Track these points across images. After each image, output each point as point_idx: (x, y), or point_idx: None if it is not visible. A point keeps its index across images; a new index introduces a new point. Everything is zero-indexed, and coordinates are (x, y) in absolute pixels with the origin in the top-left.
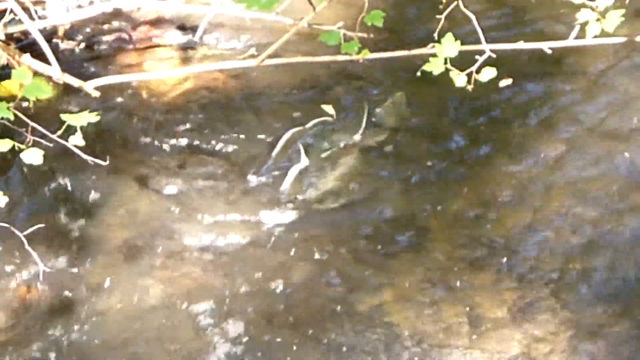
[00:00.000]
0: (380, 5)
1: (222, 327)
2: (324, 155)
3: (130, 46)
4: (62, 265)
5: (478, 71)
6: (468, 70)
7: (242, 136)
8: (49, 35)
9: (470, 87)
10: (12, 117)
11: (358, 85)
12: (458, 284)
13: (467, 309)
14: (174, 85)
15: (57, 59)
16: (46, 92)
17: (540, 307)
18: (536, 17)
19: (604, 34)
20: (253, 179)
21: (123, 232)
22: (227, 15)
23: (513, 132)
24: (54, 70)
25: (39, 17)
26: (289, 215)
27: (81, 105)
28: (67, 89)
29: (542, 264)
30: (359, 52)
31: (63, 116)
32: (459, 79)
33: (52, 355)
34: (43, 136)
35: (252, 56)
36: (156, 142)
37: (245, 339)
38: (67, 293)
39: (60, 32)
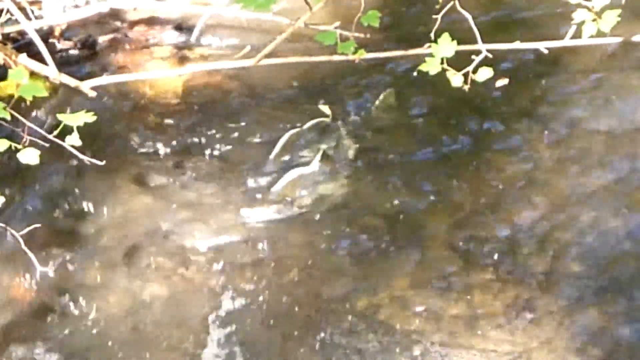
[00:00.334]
0: (377, 6)
1: (218, 327)
2: (320, 156)
3: (127, 46)
4: (58, 265)
5: (474, 71)
6: (464, 70)
7: (238, 136)
8: (46, 35)
9: (466, 87)
10: (8, 117)
11: (354, 85)
12: (455, 283)
13: (465, 308)
14: (171, 85)
15: (54, 59)
16: (42, 92)
17: (539, 306)
18: (533, 17)
19: (600, 34)
20: (250, 180)
21: (119, 232)
22: (224, 15)
23: (510, 132)
24: (51, 70)
25: (36, 17)
26: (285, 215)
27: (78, 105)
28: (63, 89)
29: (540, 263)
30: (355, 52)
31: (59, 116)
32: (456, 79)
33: (48, 355)
34: (39, 136)
35: (249, 56)
36: (152, 142)
37: (240, 339)
38: (63, 293)
39: (57, 32)
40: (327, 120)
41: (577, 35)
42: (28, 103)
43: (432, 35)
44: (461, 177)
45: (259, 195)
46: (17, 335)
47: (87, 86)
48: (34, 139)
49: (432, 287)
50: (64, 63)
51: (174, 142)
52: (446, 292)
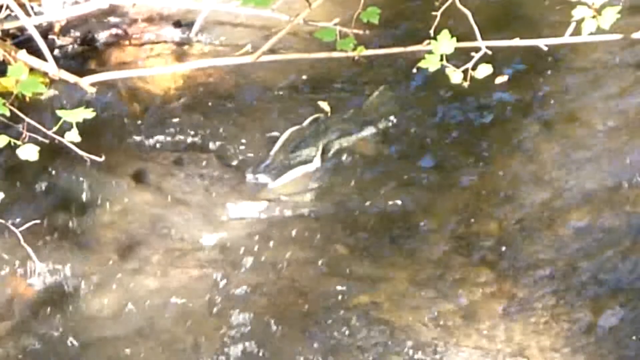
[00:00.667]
0: (377, 2)
1: (217, 323)
2: (320, 152)
3: (126, 42)
4: (57, 261)
5: (474, 68)
6: (464, 67)
7: (238, 133)
8: (45, 31)
9: (466, 84)
10: (7, 113)
11: (353, 82)
12: (453, 281)
13: (463, 306)
14: (170, 82)
15: (53, 55)
16: (42, 88)
17: (537, 304)
18: (532, 13)
19: (599, 31)
20: (250, 177)
21: (119, 228)
22: (223, 11)
23: (508, 129)
24: (50, 66)
25: (35, 14)
26: (284, 212)
27: (77, 101)
28: (63, 85)
29: (538, 261)
30: (354, 49)
31: (59, 112)
32: (455, 75)
33: (47, 350)
34: (39, 132)
35: (248, 52)
36: (152, 139)
37: (239, 335)
38: (62, 289)
39: (57, 29)
40: (326, 116)
41: (577, 32)
42: (27, 99)
43: (431, 32)
44: (460, 174)
45: (258, 192)
46: (15, 330)
47: (86, 82)
48: (33, 135)
49: (431, 285)
50: (63, 59)
51: (173, 139)
52: (444, 289)
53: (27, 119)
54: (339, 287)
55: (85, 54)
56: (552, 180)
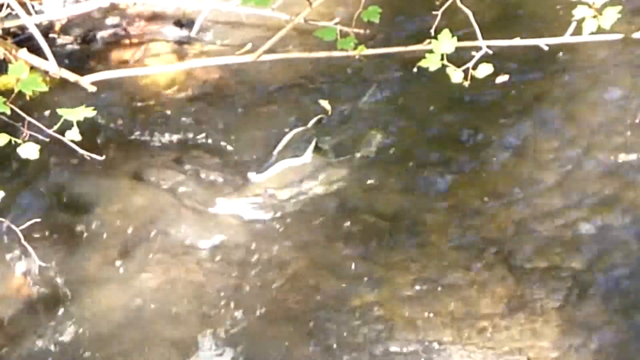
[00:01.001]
0: (377, 1)
1: (217, 321)
2: (312, 147)
3: (127, 41)
4: (58, 259)
5: (474, 67)
6: (465, 67)
7: (238, 131)
8: (46, 30)
9: (466, 84)
10: (8, 112)
11: (354, 81)
12: (453, 280)
13: (463, 305)
14: (171, 81)
15: (54, 53)
16: (42, 87)
17: (537, 304)
18: (533, 13)
19: (600, 30)
20: (252, 176)
21: (119, 227)
22: (223, 10)
23: (508, 128)
24: (51, 65)
25: (36, 12)
26: (283, 210)
27: (77, 100)
28: (63, 84)
29: (538, 260)
30: (355, 48)
31: (59, 111)
32: (456, 75)
33: (47, 349)
34: (40, 131)
35: (249, 52)
36: (152, 137)
37: (239, 333)
38: (63, 287)
39: (57, 27)
40: (327, 116)
41: (578, 31)
42: (28, 97)
43: (432, 31)
44: (459, 174)
45: (257, 191)
46: (15, 329)
47: (86, 81)
48: (33, 133)
49: (430, 284)
50: (64, 58)
51: (174, 138)
52: (445, 288)
53: (28, 118)
54: (338, 286)
55: (86, 53)
56: (552, 180)
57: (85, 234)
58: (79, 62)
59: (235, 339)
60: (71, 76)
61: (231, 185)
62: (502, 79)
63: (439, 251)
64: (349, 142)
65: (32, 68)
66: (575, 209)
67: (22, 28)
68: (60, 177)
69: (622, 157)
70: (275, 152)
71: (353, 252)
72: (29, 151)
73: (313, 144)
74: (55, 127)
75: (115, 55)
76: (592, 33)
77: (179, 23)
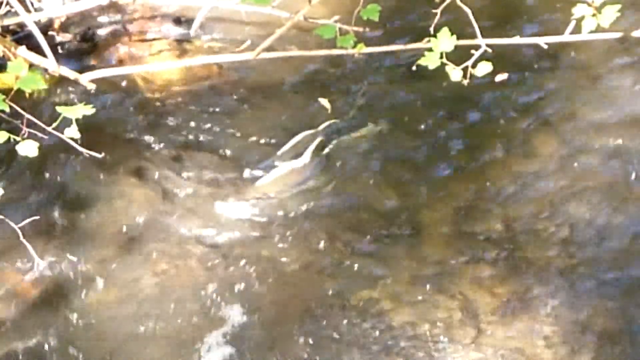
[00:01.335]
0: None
1: (216, 319)
2: (312, 148)
3: (126, 39)
4: (56, 257)
5: (474, 66)
6: (464, 65)
7: (237, 130)
8: (45, 27)
9: (465, 82)
10: (7, 109)
11: (354, 78)
12: (452, 278)
13: (462, 303)
14: (170, 78)
15: (53, 51)
16: (42, 85)
17: (536, 302)
18: (532, 11)
19: (600, 29)
20: (252, 176)
21: (118, 225)
22: (223, 8)
23: (508, 127)
24: (50, 62)
25: (35, 10)
26: (281, 209)
27: (76, 97)
28: (62, 82)
29: (537, 259)
30: (354, 46)
31: (58, 108)
32: (455, 73)
33: (47, 346)
34: (39, 128)
35: (248, 49)
36: (151, 135)
37: (238, 332)
38: (61, 285)
39: (56, 25)
40: (327, 113)
41: (577, 30)
42: (27, 95)
43: (431, 29)
44: (459, 172)
45: (256, 189)
46: (15, 326)
47: (86, 79)
48: (32, 131)
49: (429, 282)
50: (63, 55)
51: (173, 136)
52: (444, 287)
53: (27, 115)
54: (337, 284)
55: (85, 51)
56: (551, 177)
57: (84, 232)
58: (78, 59)
59: (234, 337)
60: (70, 74)
61: (231, 184)
62: (501, 77)
63: (437, 249)
64: (347, 141)
65: (31, 66)
66: (575, 207)
67: (21, 25)
68: (59, 174)
69: (623, 155)
70: (279, 153)
71: (352, 250)
72: (28, 149)
73: (314, 145)
74: (55, 125)
75: (115, 52)
76: (592, 31)
77: (178, 20)
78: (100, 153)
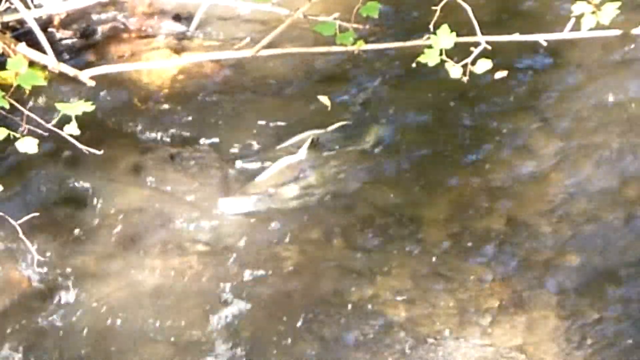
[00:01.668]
0: None
1: (215, 316)
2: (308, 144)
3: (126, 36)
4: (56, 254)
5: (473, 63)
6: (463, 62)
7: (237, 127)
8: (45, 24)
9: (465, 79)
10: (7, 106)
11: (353, 75)
12: (451, 275)
13: (460, 301)
14: (169, 75)
15: (53, 48)
16: (41, 81)
17: (534, 299)
18: (532, 9)
19: (599, 26)
20: (239, 166)
21: (117, 221)
22: (222, 5)
23: (507, 124)
24: (50, 59)
25: (35, 6)
26: (279, 205)
27: (76, 94)
28: (62, 78)
29: (536, 256)
30: (354, 43)
31: (58, 105)
32: (454, 70)
33: (46, 343)
34: (39, 125)
35: (248, 46)
36: (151, 132)
37: (238, 328)
38: (60, 282)
39: (56, 22)
40: (349, 123)
41: (576, 27)
42: (27, 92)
43: (431, 26)
44: (457, 168)
45: (253, 185)
46: (14, 323)
47: (85, 75)
48: (32, 127)
49: (428, 279)
50: (63, 52)
51: (172, 133)
52: (443, 285)
53: (27, 112)
54: (336, 281)
55: (85, 47)
56: (551, 175)
57: (83, 229)
58: (77, 56)
59: (234, 333)
60: (70, 70)
61: (229, 181)
62: (500, 74)
63: (437, 246)
64: (345, 137)
65: (31, 62)
66: (575, 205)
67: (21, 22)
68: (58, 171)
69: (621, 152)
70: (278, 148)
71: (350, 247)
72: (27, 145)
73: (309, 141)
74: (54, 122)
75: (114, 49)
76: (591, 29)
77: (177, 17)
78: (99, 150)
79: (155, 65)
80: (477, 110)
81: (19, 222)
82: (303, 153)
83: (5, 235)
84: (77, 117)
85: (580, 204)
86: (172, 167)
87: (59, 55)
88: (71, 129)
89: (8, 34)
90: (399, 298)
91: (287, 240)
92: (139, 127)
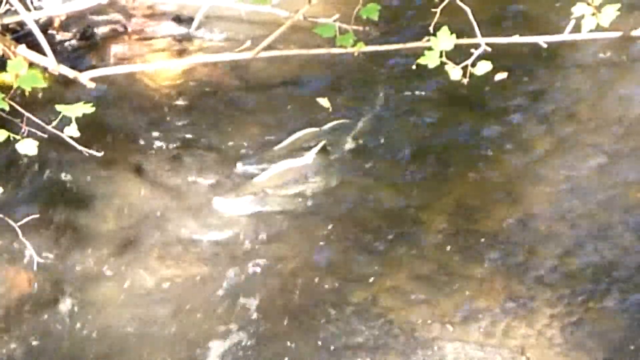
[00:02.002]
0: None
1: (215, 317)
2: (317, 149)
3: (126, 37)
4: (56, 255)
5: (473, 65)
6: (463, 64)
7: (237, 129)
8: (45, 26)
9: (465, 81)
10: (7, 108)
11: (353, 77)
12: (451, 276)
13: (460, 301)
14: (170, 77)
15: (53, 50)
16: (41, 83)
17: (534, 300)
18: (532, 11)
19: (599, 28)
20: (252, 174)
21: (117, 223)
22: (223, 7)
23: (507, 125)
24: (50, 61)
25: (35, 8)
26: (281, 207)
27: (76, 96)
28: (62, 80)
29: (535, 256)
30: (353, 45)
31: (58, 107)
32: (454, 72)
33: (46, 344)
34: (39, 127)
35: (248, 48)
36: (151, 134)
37: (238, 329)
38: (61, 283)
39: (56, 24)
40: (346, 121)
41: (577, 29)
42: (27, 94)
43: (431, 28)
44: (458, 171)
45: (257, 189)
46: (13, 324)
47: (85, 77)
48: (32, 129)
49: (429, 282)
50: (62, 54)
51: (172, 134)
52: (443, 285)
53: (27, 114)
54: (336, 284)
55: (85, 49)
56: (551, 177)
57: (83, 230)
58: (77, 58)
59: (233, 335)
60: (70, 72)
61: (230, 182)
62: (500, 76)
63: (438, 248)
64: (347, 140)
65: (31, 64)
66: (575, 206)
67: (21, 24)
68: (58, 173)
69: (620, 154)
70: (276, 149)
71: (351, 249)
72: (27, 147)
73: (319, 146)
74: (54, 123)
75: (114, 51)
76: (591, 31)
77: (178, 19)
78: (99, 152)
79: (155, 67)
80: (479, 112)
81: (19, 223)
82: (311, 157)
83: (5, 237)
84: (77, 119)
85: (581, 205)
86: (172, 169)
87: (58, 57)
88: (71, 131)
89: (8, 36)
90: (399, 300)
91: (285, 240)
92: (139, 129)
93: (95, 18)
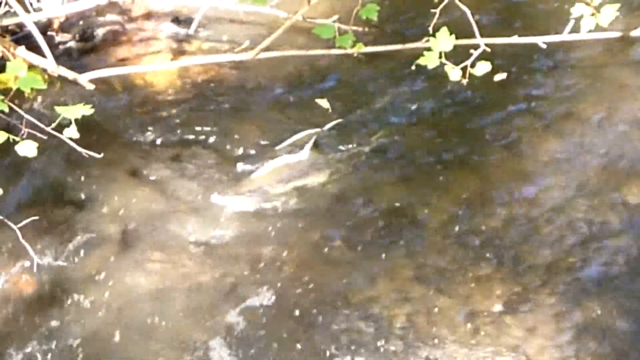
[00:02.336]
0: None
1: (215, 318)
2: (311, 144)
3: (125, 39)
4: (55, 257)
5: (473, 65)
6: (463, 64)
7: (236, 128)
8: (44, 27)
9: (464, 81)
10: (6, 109)
11: (353, 78)
12: (452, 276)
13: (461, 302)
14: (168, 78)
15: (52, 51)
16: (41, 85)
17: (534, 300)
18: (531, 11)
19: (598, 28)
20: (250, 172)
21: (117, 224)
22: (222, 8)
23: (507, 126)
24: (49, 62)
25: (34, 10)
26: (280, 206)
27: (75, 97)
28: (61, 82)
29: (535, 257)
30: (353, 46)
31: (57, 109)
32: (454, 72)
33: (46, 346)
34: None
35: (247, 49)
36: (150, 135)
37: (237, 329)
38: (60, 285)
39: (55, 25)
40: (345, 121)
41: (576, 29)
42: (26, 95)
43: (430, 29)
44: (458, 170)
45: (255, 187)
46: (12, 326)
47: (85, 79)
48: (32, 131)
49: (429, 280)
50: (62, 55)
51: (171, 135)
52: (444, 286)
53: (26, 115)
54: (335, 282)
55: (84, 51)
56: (551, 176)
57: (83, 231)
58: (77, 59)
59: (232, 334)
60: (69, 74)
61: (228, 181)
62: (500, 77)
63: (437, 247)
64: (345, 138)
65: (30, 66)
66: (575, 205)
67: (21, 26)
68: (58, 174)
69: (619, 154)
70: (277, 148)
71: (350, 247)
72: (27, 149)
73: (312, 142)
74: (54, 125)
75: (113, 52)
76: (590, 31)
77: (177, 20)
78: (99, 153)
79: (154, 68)
80: (478, 112)
81: (19, 225)
82: (305, 153)
83: (4, 238)
84: (76, 121)
85: (581, 205)
86: (171, 168)
87: (58, 58)
88: (71, 132)
89: (7, 38)
90: (399, 298)
91: (284, 239)
92: (139, 130)
93: (95, 19)
